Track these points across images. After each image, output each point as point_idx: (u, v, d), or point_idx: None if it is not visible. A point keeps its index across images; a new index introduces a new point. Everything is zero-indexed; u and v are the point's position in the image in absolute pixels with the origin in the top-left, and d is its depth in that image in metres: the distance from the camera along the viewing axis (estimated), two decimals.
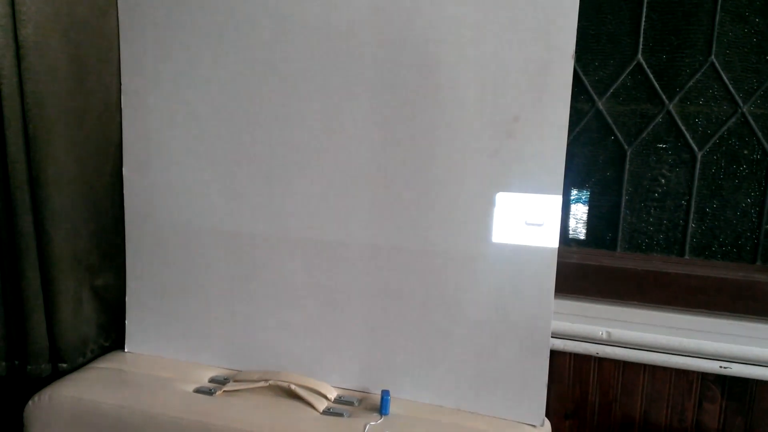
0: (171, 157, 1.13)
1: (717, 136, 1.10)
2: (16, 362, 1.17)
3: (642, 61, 1.11)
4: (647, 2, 1.09)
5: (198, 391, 1.07)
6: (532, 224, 0.96)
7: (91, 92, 1.12)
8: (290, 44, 1.04)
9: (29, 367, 1.14)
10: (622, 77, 1.12)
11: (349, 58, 1.01)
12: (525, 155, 0.96)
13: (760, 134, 1.08)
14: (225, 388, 1.06)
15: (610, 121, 1.14)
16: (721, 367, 1.03)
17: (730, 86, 1.08)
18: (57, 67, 1.07)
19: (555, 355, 1.11)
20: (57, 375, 1.14)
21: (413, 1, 0.97)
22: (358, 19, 1.00)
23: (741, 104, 1.08)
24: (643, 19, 1.09)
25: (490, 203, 0.98)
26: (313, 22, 1.02)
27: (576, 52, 0.92)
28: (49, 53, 1.05)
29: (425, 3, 0.97)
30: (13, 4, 1.02)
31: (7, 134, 1.06)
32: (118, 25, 1.13)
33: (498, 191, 0.97)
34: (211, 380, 1.11)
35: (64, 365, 1.16)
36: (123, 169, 1.16)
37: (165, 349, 1.19)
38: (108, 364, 1.16)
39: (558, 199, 0.95)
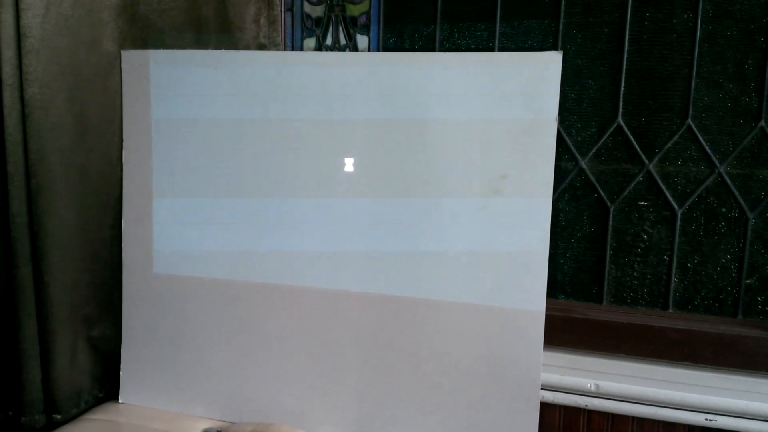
0: (169, 211, 1.16)
1: (696, 195, 1.14)
2: (10, 413, 1.17)
3: (622, 123, 1.15)
4: (626, 68, 1.14)
5: None
6: (521, 277, 0.99)
7: (94, 148, 1.15)
8: (286, 103, 1.08)
9: (23, 418, 1.14)
10: (604, 138, 1.17)
11: (343, 117, 1.06)
12: (512, 211, 0.99)
13: (737, 193, 1.12)
14: None
15: (593, 179, 1.18)
16: (706, 419, 1.04)
17: (707, 148, 1.12)
18: (61, 125, 1.10)
19: (545, 407, 1.11)
20: (51, 426, 1.14)
21: (404, 65, 1.02)
22: (352, 80, 1.05)
23: (718, 165, 1.12)
24: (623, 84, 1.14)
25: (479, 257, 1.01)
26: (308, 81, 1.07)
27: (559, 114, 0.97)
28: (53, 111, 1.09)
29: (415, 67, 1.02)
30: (20, 65, 1.06)
31: (9, 189, 1.09)
32: (121, 83, 1.17)
33: (486, 245, 1.01)
34: None
35: (58, 416, 1.16)
36: (122, 222, 1.19)
37: (159, 401, 1.19)
38: (101, 415, 1.16)
39: (545, 253, 0.99)
